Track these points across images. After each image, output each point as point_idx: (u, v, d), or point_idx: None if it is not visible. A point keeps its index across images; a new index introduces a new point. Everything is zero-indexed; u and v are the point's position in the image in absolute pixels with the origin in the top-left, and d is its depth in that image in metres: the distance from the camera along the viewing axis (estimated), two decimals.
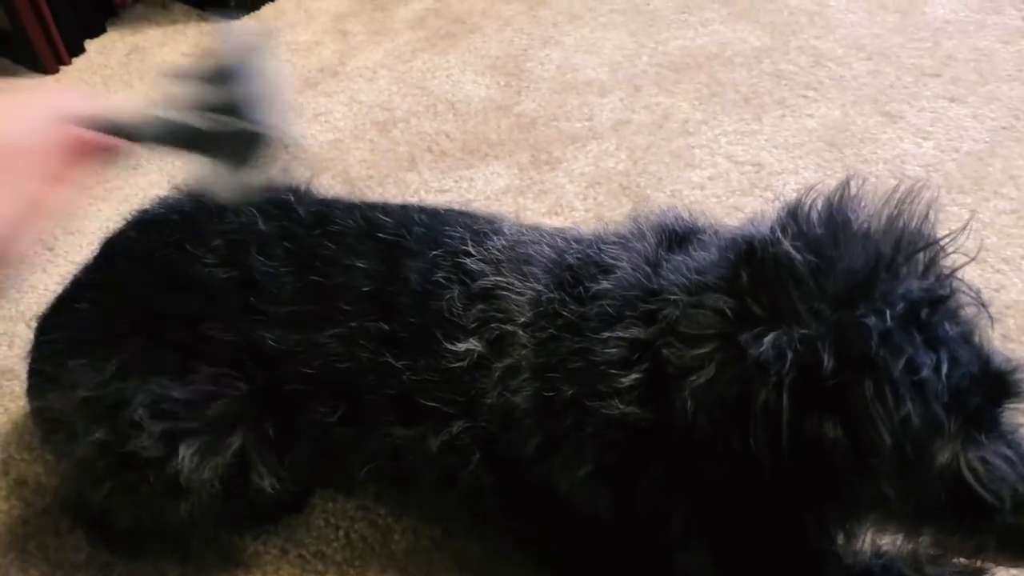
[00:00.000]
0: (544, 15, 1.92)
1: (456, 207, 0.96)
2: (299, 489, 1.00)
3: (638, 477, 0.73)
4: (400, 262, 0.86)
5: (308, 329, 0.85)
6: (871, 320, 0.60)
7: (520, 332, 0.79)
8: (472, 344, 0.80)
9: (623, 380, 0.70)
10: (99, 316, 0.90)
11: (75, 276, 0.96)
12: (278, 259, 0.87)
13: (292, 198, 0.93)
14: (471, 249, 0.84)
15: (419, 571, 0.97)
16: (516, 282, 0.81)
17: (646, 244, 0.78)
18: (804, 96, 1.60)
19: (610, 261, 0.78)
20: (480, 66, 1.80)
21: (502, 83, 1.74)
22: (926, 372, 0.59)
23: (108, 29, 2.07)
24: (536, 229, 0.89)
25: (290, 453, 0.90)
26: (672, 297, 0.70)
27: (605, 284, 0.76)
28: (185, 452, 0.84)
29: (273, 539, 1.01)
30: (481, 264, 0.84)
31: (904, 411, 0.58)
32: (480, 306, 0.81)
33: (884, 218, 0.68)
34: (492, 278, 0.82)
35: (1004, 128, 1.47)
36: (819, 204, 0.70)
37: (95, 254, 0.96)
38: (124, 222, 0.98)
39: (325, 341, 0.85)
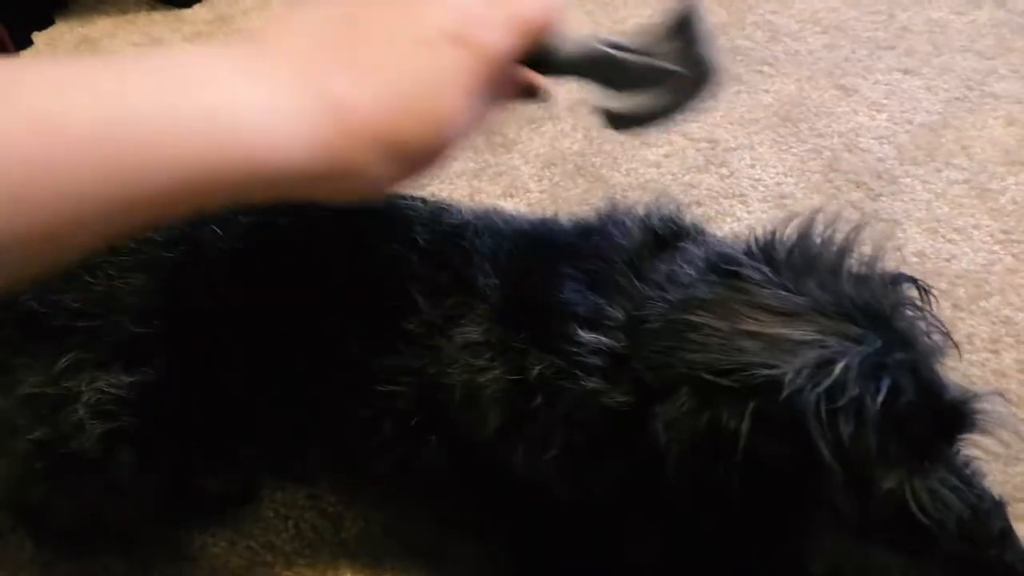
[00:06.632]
0: None
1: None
2: (247, 484, 0.99)
3: (602, 464, 0.71)
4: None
5: (249, 300, 0.79)
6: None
7: (481, 305, 0.75)
8: (426, 315, 0.76)
9: (593, 360, 0.68)
10: (44, 310, 0.86)
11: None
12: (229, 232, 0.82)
13: None
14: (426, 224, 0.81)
15: (370, 558, 0.96)
16: (481, 246, 0.78)
17: (632, 242, 0.76)
18: (760, 72, 1.59)
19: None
20: None
21: None
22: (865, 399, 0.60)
23: (57, 20, 2.03)
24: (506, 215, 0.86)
25: (238, 447, 0.88)
26: (653, 312, 0.69)
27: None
28: (127, 457, 0.80)
29: (221, 531, 0.99)
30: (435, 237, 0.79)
31: (843, 433, 0.59)
32: (439, 276, 0.77)
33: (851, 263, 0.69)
34: (448, 252, 0.78)
35: (957, 99, 1.47)
36: (790, 238, 0.71)
37: None
38: None
39: (266, 311, 0.79)
